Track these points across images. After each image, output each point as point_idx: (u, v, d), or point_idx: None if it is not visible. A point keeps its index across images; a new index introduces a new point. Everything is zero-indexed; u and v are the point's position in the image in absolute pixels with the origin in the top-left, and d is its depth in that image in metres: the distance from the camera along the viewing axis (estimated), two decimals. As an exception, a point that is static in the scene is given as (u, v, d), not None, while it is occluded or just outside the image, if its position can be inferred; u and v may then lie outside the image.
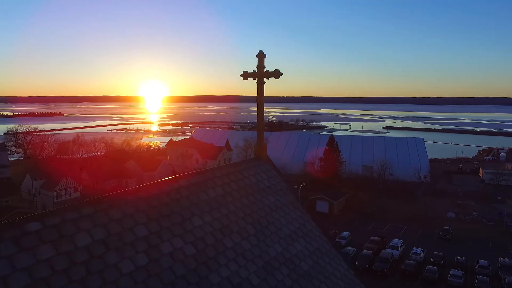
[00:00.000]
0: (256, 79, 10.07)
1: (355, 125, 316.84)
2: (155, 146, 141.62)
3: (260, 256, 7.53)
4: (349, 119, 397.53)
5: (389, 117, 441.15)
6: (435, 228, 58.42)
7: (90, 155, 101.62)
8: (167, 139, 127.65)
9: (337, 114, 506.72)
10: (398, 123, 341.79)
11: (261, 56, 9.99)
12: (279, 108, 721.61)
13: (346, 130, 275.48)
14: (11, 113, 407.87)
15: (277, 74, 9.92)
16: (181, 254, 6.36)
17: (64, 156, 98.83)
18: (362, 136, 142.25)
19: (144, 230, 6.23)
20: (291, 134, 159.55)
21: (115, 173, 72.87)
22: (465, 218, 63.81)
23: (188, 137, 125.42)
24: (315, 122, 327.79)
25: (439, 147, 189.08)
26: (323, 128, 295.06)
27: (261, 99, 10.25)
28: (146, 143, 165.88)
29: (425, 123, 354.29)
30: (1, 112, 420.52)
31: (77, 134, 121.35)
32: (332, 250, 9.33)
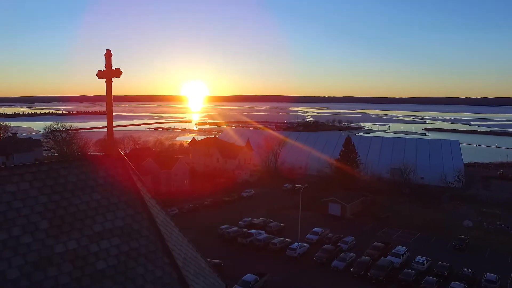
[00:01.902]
0: (105, 78, 10.19)
1: (394, 126, 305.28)
2: (182, 145, 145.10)
3: (39, 251, 7.59)
4: (389, 120, 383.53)
5: (432, 118, 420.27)
6: (451, 236, 54.80)
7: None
8: (201, 138, 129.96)
9: (377, 115, 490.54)
10: (441, 125, 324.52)
11: (108, 55, 10.08)
12: (318, 108, 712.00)
13: (384, 131, 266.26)
14: (60, 112, 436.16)
15: (118, 73, 9.96)
16: None
17: (94, 153, 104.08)
18: (393, 138, 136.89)
19: None
20: (320, 134, 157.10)
21: (132, 170, 75.54)
22: (487, 227, 59.44)
23: (212, 136, 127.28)
24: (353, 123, 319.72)
25: (482, 150, 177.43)
26: (360, 129, 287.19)
27: (109, 98, 10.33)
28: (180, 142, 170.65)
29: (470, 124, 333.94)
30: (51, 111, 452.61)
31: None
32: (158, 252, 9.16)
